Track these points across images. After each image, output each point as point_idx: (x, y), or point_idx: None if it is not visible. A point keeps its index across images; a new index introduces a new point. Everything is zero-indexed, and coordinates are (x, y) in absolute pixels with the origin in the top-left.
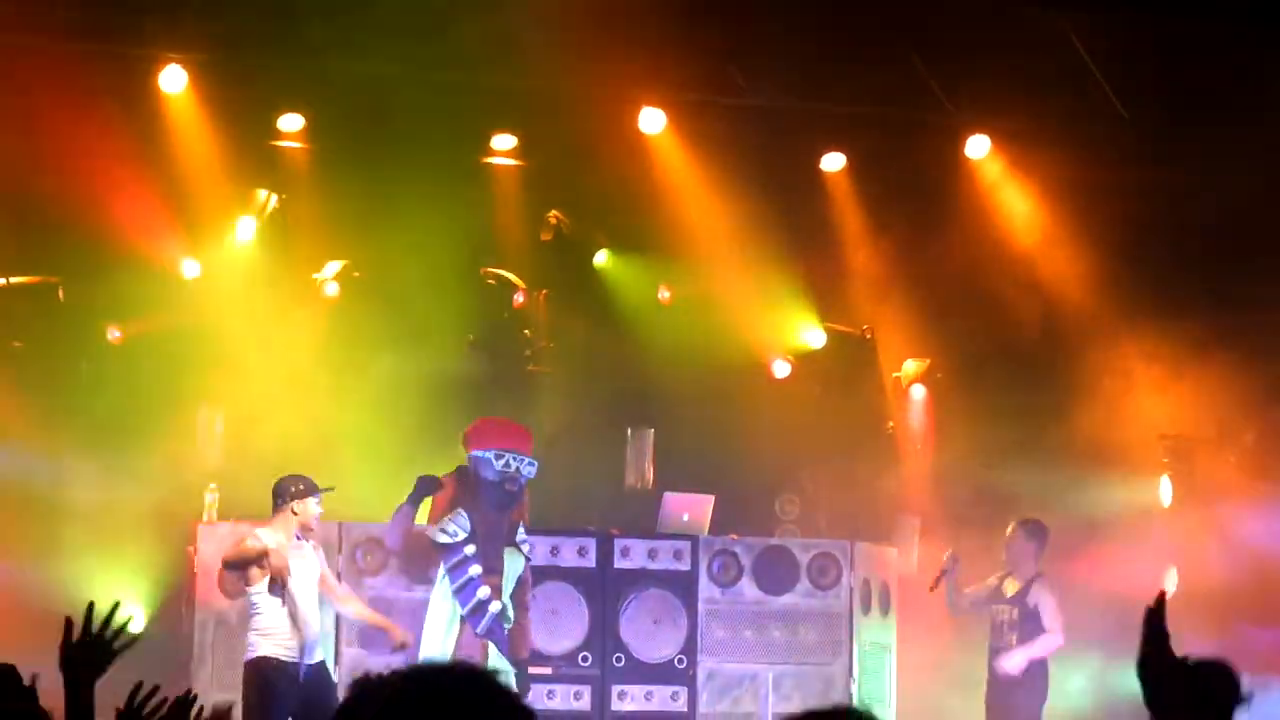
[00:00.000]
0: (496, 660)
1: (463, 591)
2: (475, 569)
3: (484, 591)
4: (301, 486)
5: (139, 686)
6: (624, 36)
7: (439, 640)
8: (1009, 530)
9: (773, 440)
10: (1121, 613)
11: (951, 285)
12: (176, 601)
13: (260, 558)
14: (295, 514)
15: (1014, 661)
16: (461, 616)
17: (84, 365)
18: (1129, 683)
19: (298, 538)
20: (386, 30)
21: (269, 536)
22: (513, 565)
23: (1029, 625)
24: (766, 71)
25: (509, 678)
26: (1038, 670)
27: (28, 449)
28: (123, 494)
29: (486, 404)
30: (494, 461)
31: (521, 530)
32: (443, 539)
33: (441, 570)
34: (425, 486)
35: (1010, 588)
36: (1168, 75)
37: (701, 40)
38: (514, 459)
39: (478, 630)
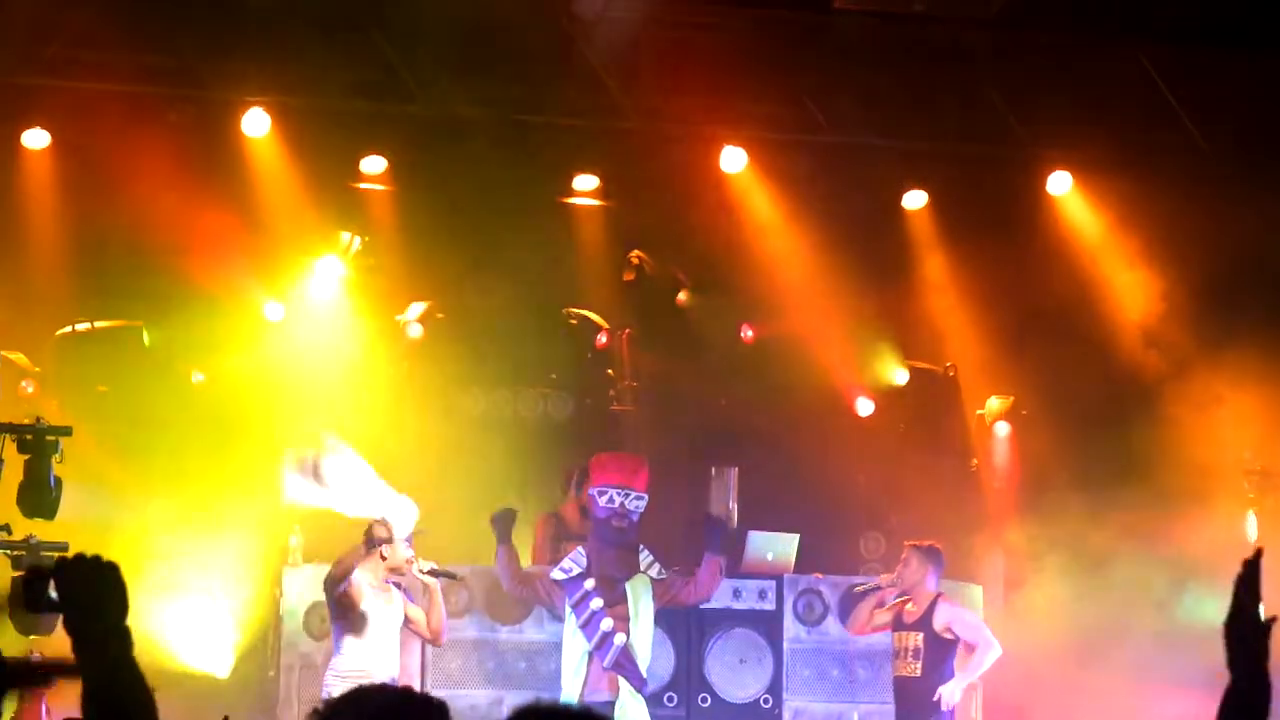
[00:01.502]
0: (627, 693)
1: (587, 626)
2: (597, 602)
3: (607, 624)
4: (380, 534)
5: None
6: (704, 76)
7: (571, 675)
8: (904, 554)
9: (856, 478)
10: (1210, 651)
11: (1035, 321)
12: (262, 645)
13: (350, 570)
14: (384, 558)
15: (950, 690)
16: (588, 651)
17: (168, 408)
18: None
19: (387, 581)
20: (468, 71)
21: (360, 576)
22: (642, 594)
23: (935, 649)
24: (847, 109)
25: (640, 711)
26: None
27: (112, 492)
28: (207, 537)
29: (570, 444)
30: (598, 498)
31: (646, 554)
32: (558, 575)
33: (568, 606)
34: (502, 523)
35: (911, 613)
36: (1248, 107)
37: (782, 79)
38: (619, 494)
39: (605, 664)
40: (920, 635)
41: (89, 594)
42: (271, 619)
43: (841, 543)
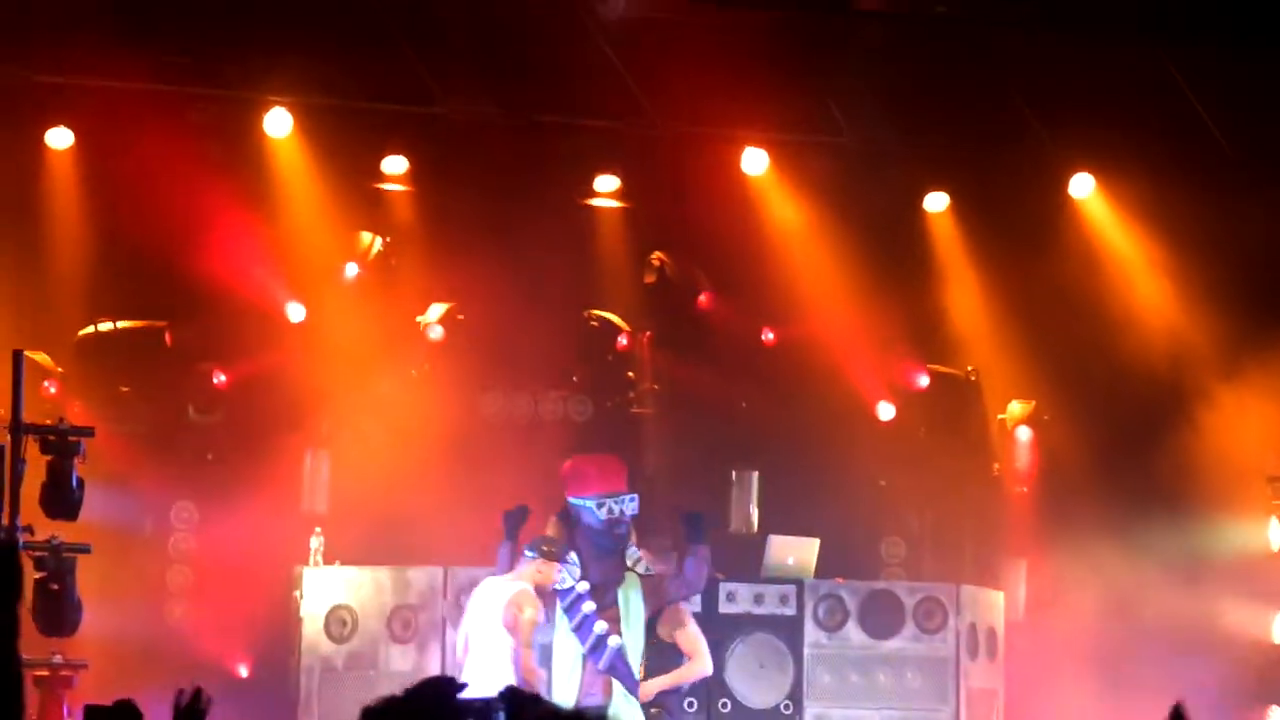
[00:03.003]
0: (621, 697)
1: (581, 629)
2: (589, 605)
3: (600, 626)
4: (554, 549)
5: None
6: (727, 79)
7: (565, 678)
8: None
9: (878, 483)
10: (1230, 660)
11: (1057, 325)
12: (282, 646)
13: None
14: (540, 573)
15: (648, 686)
16: (583, 654)
17: (190, 409)
18: None
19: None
20: (489, 72)
21: (525, 578)
22: (633, 595)
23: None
24: (869, 112)
25: (634, 713)
26: None
27: (134, 493)
28: (228, 538)
29: (591, 446)
30: (595, 510)
31: (633, 550)
32: (555, 585)
33: (559, 609)
34: (514, 521)
35: None
36: (1271, 111)
37: (803, 81)
38: (615, 503)
39: (599, 666)
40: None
41: None
42: (292, 621)
43: (863, 547)
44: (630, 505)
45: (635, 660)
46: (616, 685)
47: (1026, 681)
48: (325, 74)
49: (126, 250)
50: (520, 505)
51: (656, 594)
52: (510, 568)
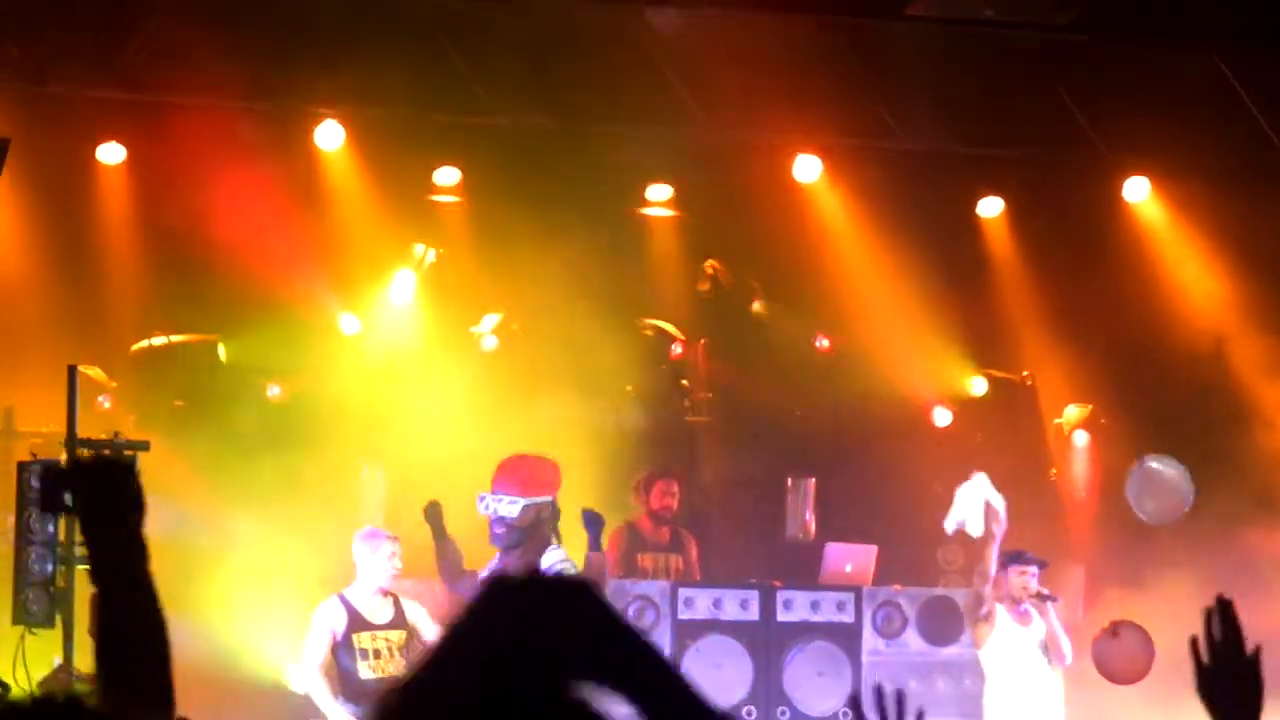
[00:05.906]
0: None
1: None
2: None
3: None
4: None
5: None
6: (779, 85)
7: None
8: None
9: (934, 489)
10: None
11: (1113, 329)
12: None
13: None
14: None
15: None
16: None
17: (244, 423)
18: None
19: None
20: (541, 82)
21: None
22: None
23: None
24: (922, 117)
25: None
26: None
27: (189, 508)
28: (285, 552)
29: (645, 455)
30: (479, 505)
31: (554, 551)
32: (485, 574)
33: None
34: (434, 516)
35: None
36: None
37: (856, 87)
38: (494, 500)
39: None
40: None
41: (105, 496)
42: None
43: (920, 554)
44: (509, 507)
45: None
46: None
47: (1085, 687)
48: (376, 86)
49: (179, 264)
50: (434, 501)
51: None
52: (450, 566)
